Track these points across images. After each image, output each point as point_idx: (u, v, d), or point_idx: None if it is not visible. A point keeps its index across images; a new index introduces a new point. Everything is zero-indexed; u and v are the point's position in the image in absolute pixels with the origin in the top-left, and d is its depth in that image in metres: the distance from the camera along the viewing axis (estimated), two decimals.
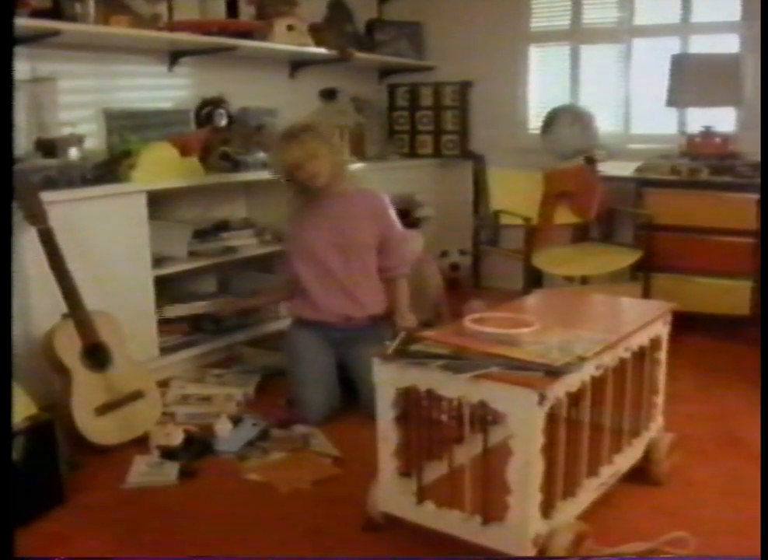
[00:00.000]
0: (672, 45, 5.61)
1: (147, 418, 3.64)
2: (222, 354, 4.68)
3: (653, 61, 5.64)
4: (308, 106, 5.74)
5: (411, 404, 2.60)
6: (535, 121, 6.18)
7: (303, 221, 4.04)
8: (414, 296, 4.05)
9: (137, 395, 3.61)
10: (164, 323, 4.45)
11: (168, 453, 3.42)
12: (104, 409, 3.46)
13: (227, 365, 4.55)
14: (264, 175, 4.75)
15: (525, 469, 2.34)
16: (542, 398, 2.29)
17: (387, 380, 2.58)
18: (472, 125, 6.58)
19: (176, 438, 3.50)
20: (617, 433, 2.91)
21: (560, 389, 2.40)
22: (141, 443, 3.52)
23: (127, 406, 3.56)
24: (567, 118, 5.57)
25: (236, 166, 4.78)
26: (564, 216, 5.43)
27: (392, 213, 4.10)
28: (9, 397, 2.35)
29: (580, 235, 5.67)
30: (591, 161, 5.52)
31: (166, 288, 4.55)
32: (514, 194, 5.43)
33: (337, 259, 3.95)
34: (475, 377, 2.34)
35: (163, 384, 4.10)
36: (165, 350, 4.39)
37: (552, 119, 5.64)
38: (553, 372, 2.35)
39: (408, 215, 5.39)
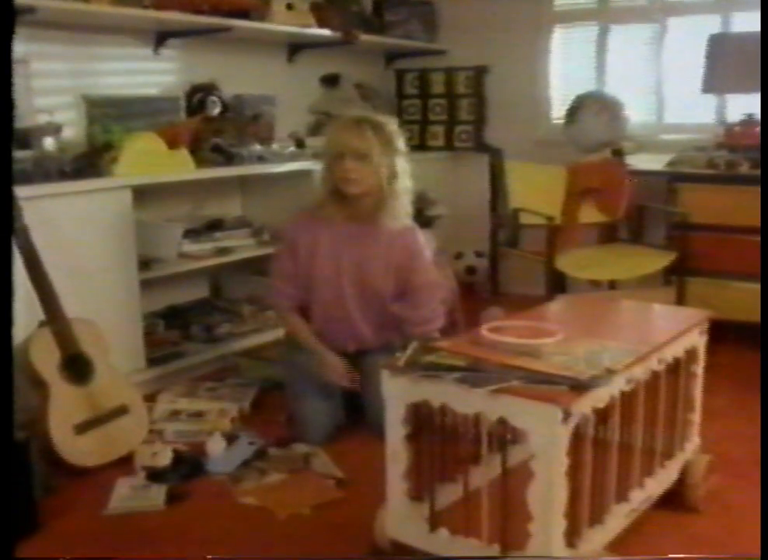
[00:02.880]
0: (712, 24, 5.59)
1: (132, 436, 3.64)
2: (215, 365, 4.69)
3: (689, 42, 5.63)
4: (309, 94, 5.75)
5: (423, 421, 2.60)
6: (558, 110, 6.20)
7: (325, 239, 3.81)
8: None
9: (121, 411, 3.61)
10: (151, 332, 4.46)
11: (155, 475, 3.42)
12: (85, 426, 3.47)
13: (221, 377, 4.54)
14: (261, 169, 4.77)
15: (548, 493, 2.34)
16: (567, 415, 2.29)
17: (397, 394, 2.58)
18: (488, 115, 6.60)
19: (164, 458, 3.50)
20: (649, 454, 2.91)
21: (587, 405, 2.39)
22: (125, 464, 3.52)
23: (110, 423, 3.56)
24: (593, 107, 5.57)
25: (230, 159, 4.78)
26: (590, 215, 5.43)
27: (427, 257, 3.94)
28: (11, 398, 2.34)
29: (607, 235, 5.66)
30: (619, 154, 5.52)
31: (154, 294, 4.56)
32: (535, 190, 5.43)
33: (356, 298, 3.84)
34: (493, 391, 2.34)
35: (150, 399, 4.11)
36: (152, 361, 4.40)
37: (576, 108, 5.63)
38: (579, 387, 2.34)
39: (419, 214, 5.38)
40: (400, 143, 3.78)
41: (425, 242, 3.96)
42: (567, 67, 6.30)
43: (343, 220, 3.81)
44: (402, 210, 3.83)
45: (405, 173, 3.80)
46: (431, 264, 3.99)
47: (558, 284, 5.18)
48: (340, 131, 3.75)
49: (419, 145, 6.67)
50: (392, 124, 3.79)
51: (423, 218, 5.41)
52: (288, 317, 3.96)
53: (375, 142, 3.67)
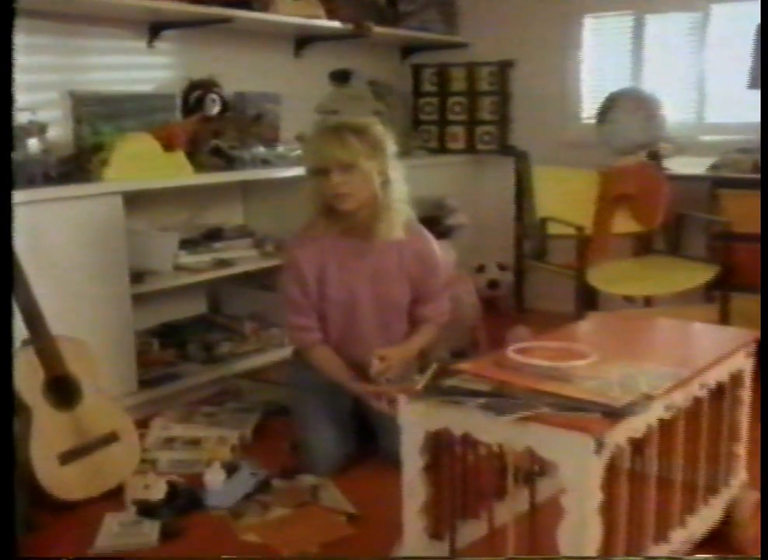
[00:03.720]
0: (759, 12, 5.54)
1: (122, 467, 3.63)
2: (214, 388, 4.70)
3: (735, 32, 5.61)
4: (317, 91, 5.75)
5: (443, 451, 2.59)
6: (589, 109, 6.19)
7: (332, 262, 3.80)
8: (446, 321, 4.03)
9: (110, 438, 3.61)
10: (144, 351, 4.45)
11: (147, 509, 3.41)
12: (70, 456, 3.46)
13: (220, 401, 4.55)
14: (265, 174, 4.76)
15: (580, 531, 2.33)
16: (600, 445, 2.28)
17: (414, 421, 2.57)
18: (513, 114, 6.60)
19: (157, 490, 3.50)
20: (691, 490, 2.90)
21: (622, 434, 2.38)
22: (114, 497, 3.52)
23: (98, 452, 3.55)
24: (627, 105, 5.55)
25: (231, 162, 4.79)
26: (624, 224, 5.41)
27: (439, 258, 3.97)
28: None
29: (643, 246, 5.66)
30: (656, 157, 5.51)
31: (147, 309, 4.55)
32: (564, 197, 5.42)
33: (371, 317, 3.86)
34: (520, 419, 2.33)
35: (142, 425, 4.10)
36: (145, 383, 4.41)
37: (609, 106, 5.62)
38: (614, 414, 2.33)
39: (437, 224, 5.38)
40: (389, 145, 3.75)
41: (435, 242, 3.96)
42: (599, 61, 6.30)
43: (342, 237, 3.80)
44: (399, 218, 3.79)
45: (398, 177, 3.78)
46: (443, 264, 4.01)
47: (589, 300, 5.16)
48: (320, 143, 3.71)
49: (437, 148, 6.69)
50: (375, 126, 3.77)
51: (441, 227, 5.41)
52: (316, 352, 3.90)
53: (360, 148, 3.62)
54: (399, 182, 3.77)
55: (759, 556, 2.25)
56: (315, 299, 3.82)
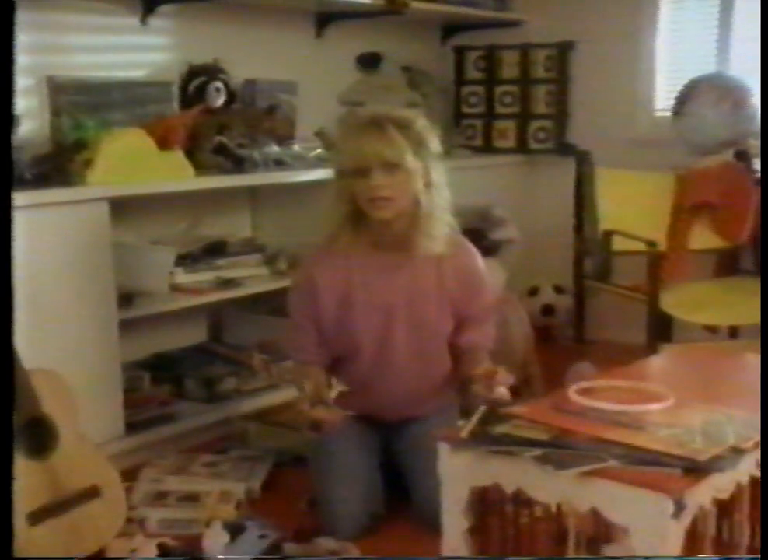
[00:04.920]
0: None
1: (104, 527, 3.61)
2: (216, 432, 4.70)
3: None
4: (341, 79, 5.76)
5: (492, 511, 2.58)
6: (664, 99, 6.18)
7: (360, 283, 3.78)
8: (492, 352, 4.01)
9: (91, 493, 3.58)
10: (133, 388, 4.46)
11: None
12: (42, 514, 3.42)
13: (223, 448, 4.54)
14: (278, 177, 4.75)
15: None
16: (680, 507, 2.26)
17: (458, 475, 2.57)
18: (573, 106, 6.60)
19: (147, 555, 3.48)
20: None
21: (706, 494, 2.37)
22: None
23: (75, 509, 3.52)
24: (710, 94, 5.55)
25: (238, 163, 4.80)
26: (705, 238, 5.41)
27: (485, 279, 3.95)
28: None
29: (727, 265, 5.64)
30: (744, 157, 5.48)
31: (138, 338, 4.56)
32: (633, 206, 5.42)
33: (408, 348, 3.83)
34: (584, 474, 2.32)
35: (130, 476, 4.09)
36: (133, 426, 4.41)
37: (689, 95, 5.62)
38: (696, 470, 2.32)
39: (482, 238, 5.36)
40: (433, 142, 3.73)
41: (480, 258, 3.95)
42: (677, 41, 6.29)
43: (371, 250, 3.79)
44: (441, 229, 3.75)
45: (441, 181, 3.75)
46: (490, 287, 4.00)
47: (663, 330, 5.16)
48: (359, 137, 3.66)
49: (482, 146, 6.70)
50: (420, 119, 3.74)
51: (487, 242, 5.39)
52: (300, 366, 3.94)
53: (406, 145, 3.58)
54: (442, 186, 3.75)
55: (759, 556, 2.24)
56: (336, 324, 3.81)
